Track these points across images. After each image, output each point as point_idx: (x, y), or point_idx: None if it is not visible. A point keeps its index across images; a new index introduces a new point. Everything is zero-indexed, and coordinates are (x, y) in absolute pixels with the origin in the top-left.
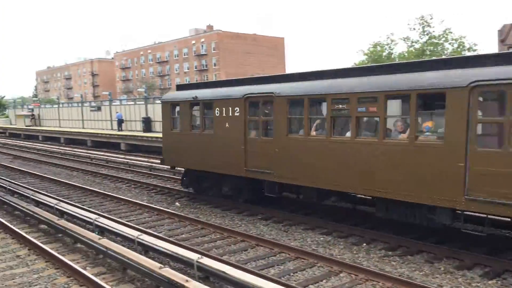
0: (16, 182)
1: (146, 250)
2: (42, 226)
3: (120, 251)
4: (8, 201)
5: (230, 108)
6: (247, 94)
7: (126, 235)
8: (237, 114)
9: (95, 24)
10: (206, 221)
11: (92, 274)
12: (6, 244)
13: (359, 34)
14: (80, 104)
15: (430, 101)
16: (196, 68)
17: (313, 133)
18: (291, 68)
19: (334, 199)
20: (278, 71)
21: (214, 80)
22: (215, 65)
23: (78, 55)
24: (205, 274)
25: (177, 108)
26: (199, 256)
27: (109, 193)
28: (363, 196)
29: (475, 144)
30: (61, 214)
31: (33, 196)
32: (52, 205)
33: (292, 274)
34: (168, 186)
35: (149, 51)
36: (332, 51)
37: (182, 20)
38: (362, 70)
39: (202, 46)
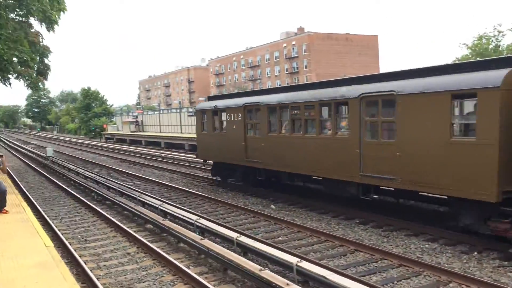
0: (124, 184)
1: (245, 251)
2: (148, 225)
3: (221, 252)
4: (118, 202)
5: (235, 114)
6: (245, 103)
7: (226, 236)
8: (240, 118)
9: (192, 34)
10: (302, 224)
11: (195, 274)
12: (117, 242)
13: (460, 27)
14: (178, 110)
15: (342, 107)
16: (287, 71)
17: (283, 131)
18: (385, 67)
19: (299, 180)
20: (371, 70)
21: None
22: (306, 67)
23: (176, 64)
24: (304, 278)
25: (205, 115)
26: (298, 259)
27: (207, 195)
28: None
29: (364, 137)
30: (165, 214)
31: (140, 197)
32: (157, 206)
33: (396, 282)
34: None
35: (241, 56)
36: (430, 47)
37: (274, 24)
38: (307, 85)
39: (293, 48)
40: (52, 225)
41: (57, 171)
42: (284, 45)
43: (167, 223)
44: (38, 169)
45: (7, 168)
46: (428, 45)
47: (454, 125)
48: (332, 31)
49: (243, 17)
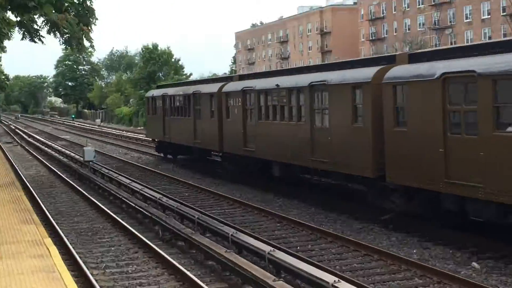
0: (214, 216)
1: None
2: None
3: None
4: (204, 246)
5: (235, 99)
6: (244, 88)
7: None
8: (239, 104)
9: None
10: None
11: None
12: None
13: None
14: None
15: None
16: None
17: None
18: None
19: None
20: None
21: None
22: None
23: (300, 3)
24: None
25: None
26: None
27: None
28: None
29: (314, 123)
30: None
31: (235, 236)
32: (265, 252)
33: None
34: None
35: None
36: None
37: None
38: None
39: None
40: (92, 279)
41: (100, 186)
42: None
43: None
44: (71, 181)
45: None
46: None
47: (355, 113)
48: None
49: None
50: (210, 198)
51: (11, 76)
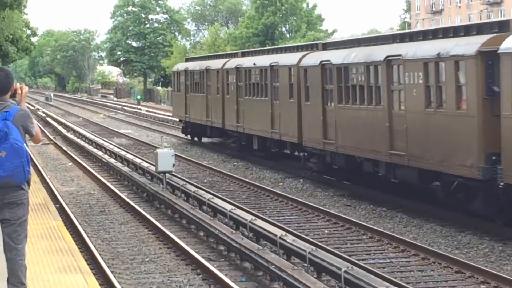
0: None
1: None
2: None
3: None
4: None
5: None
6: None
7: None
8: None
9: None
10: None
11: None
12: None
13: None
14: None
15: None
16: None
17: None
18: None
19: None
20: None
21: None
22: None
23: None
24: None
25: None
26: None
27: None
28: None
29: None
30: None
31: None
32: None
33: None
34: None
35: None
36: None
37: None
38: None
39: None
40: None
41: (182, 214)
42: None
43: None
44: (135, 205)
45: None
46: None
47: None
48: None
49: None
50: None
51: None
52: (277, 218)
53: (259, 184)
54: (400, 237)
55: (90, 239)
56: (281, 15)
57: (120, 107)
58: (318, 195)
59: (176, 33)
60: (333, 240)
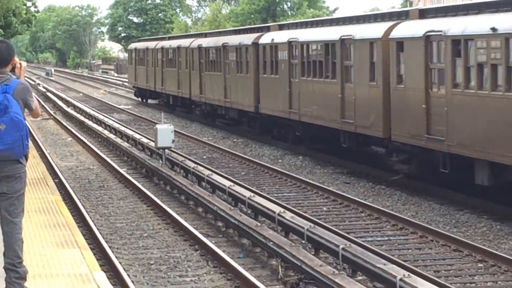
0: None
1: None
2: None
3: None
4: None
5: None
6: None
7: None
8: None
9: None
10: None
11: None
12: None
13: None
14: None
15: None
16: None
17: None
18: None
19: None
20: None
21: None
22: None
23: None
24: None
25: None
26: None
27: None
28: None
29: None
30: None
31: None
32: None
33: None
34: None
35: None
36: None
37: None
38: None
39: None
40: None
41: (181, 190)
42: None
43: None
44: (134, 181)
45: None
46: None
47: None
48: None
49: None
50: None
51: (41, 6)
52: (275, 195)
53: (258, 161)
54: (399, 215)
55: (88, 214)
56: None
57: (121, 83)
58: (317, 172)
59: (178, 10)
60: (331, 217)
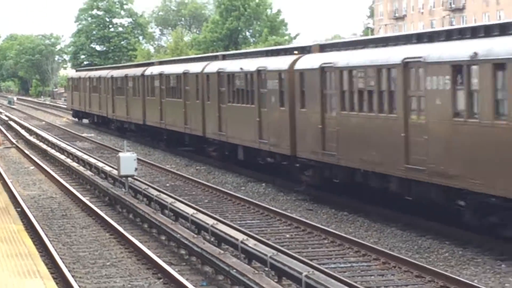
0: None
1: None
2: None
3: None
4: None
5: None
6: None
7: None
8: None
9: None
10: None
11: None
12: None
13: None
14: None
15: None
16: None
17: None
18: None
19: None
20: None
21: None
22: None
23: None
24: None
25: None
26: None
27: None
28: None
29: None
30: None
31: None
32: None
33: None
34: None
35: None
36: None
37: None
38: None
39: None
40: None
41: (145, 218)
42: None
43: None
44: (97, 209)
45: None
46: None
47: None
48: None
49: None
50: None
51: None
52: (239, 222)
53: (221, 188)
54: (361, 241)
55: (51, 243)
56: (245, 20)
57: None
58: (280, 199)
59: (140, 37)
60: (295, 244)
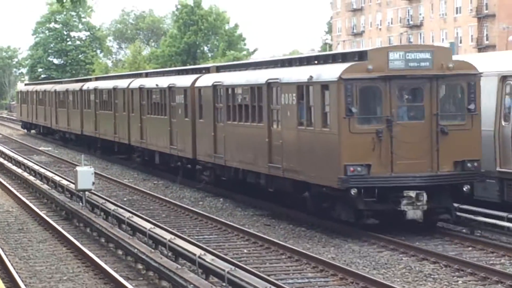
0: None
1: None
2: None
3: None
4: None
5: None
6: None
7: None
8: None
9: None
10: None
11: None
12: None
13: None
14: None
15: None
16: None
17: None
18: None
19: None
20: None
21: None
22: None
23: None
24: None
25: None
26: None
27: None
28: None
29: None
30: None
31: None
32: None
33: None
34: None
35: None
36: None
37: None
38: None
39: None
40: None
41: (102, 232)
42: None
43: None
44: (54, 223)
45: None
46: None
47: None
48: None
49: None
50: None
51: None
52: (196, 237)
53: (179, 203)
54: (319, 257)
55: (7, 257)
56: (203, 35)
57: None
58: (237, 214)
59: (98, 51)
60: (252, 259)
